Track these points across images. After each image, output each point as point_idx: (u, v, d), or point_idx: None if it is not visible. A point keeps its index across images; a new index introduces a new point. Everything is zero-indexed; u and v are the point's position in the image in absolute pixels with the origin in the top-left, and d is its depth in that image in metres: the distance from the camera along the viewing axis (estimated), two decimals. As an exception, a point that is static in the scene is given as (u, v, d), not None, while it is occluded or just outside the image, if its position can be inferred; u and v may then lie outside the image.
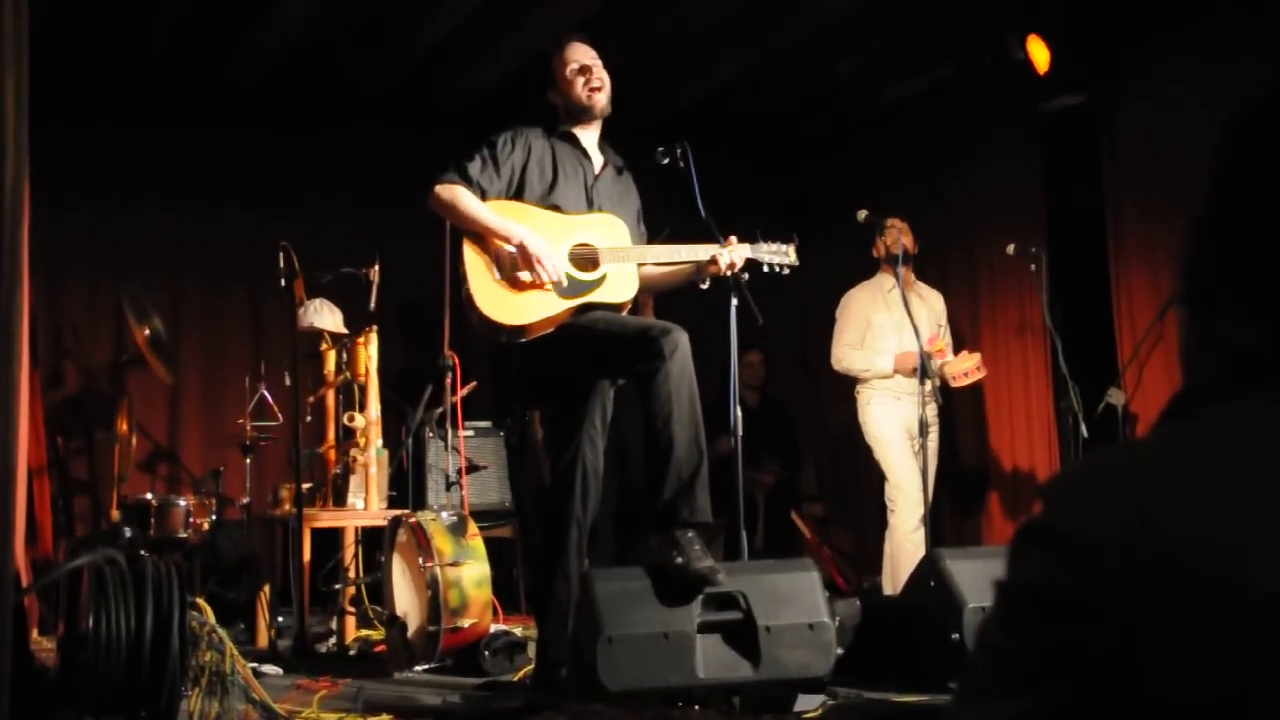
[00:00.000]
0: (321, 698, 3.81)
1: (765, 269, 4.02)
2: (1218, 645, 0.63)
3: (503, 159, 3.83)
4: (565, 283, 3.75)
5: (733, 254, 3.87)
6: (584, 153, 3.98)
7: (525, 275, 3.70)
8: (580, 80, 3.92)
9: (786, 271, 4.07)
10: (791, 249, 4.08)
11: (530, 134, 3.92)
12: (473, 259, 3.74)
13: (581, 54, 3.96)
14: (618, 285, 3.83)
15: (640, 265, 3.92)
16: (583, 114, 3.95)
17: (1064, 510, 0.71)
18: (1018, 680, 0.69)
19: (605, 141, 4.07)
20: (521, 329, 3.71)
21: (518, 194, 3.84)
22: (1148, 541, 0.67)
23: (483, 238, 3.75)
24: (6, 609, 2.23)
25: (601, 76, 3.95)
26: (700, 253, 3.90)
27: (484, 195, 3.78)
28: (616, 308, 3.83)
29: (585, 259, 3.80)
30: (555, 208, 3.85)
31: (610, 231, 3.90)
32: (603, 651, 3.26)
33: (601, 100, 3.94)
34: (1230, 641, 0.63)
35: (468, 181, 3.76)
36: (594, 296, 3.78)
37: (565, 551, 3.76)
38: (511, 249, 3.71)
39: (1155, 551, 0.66)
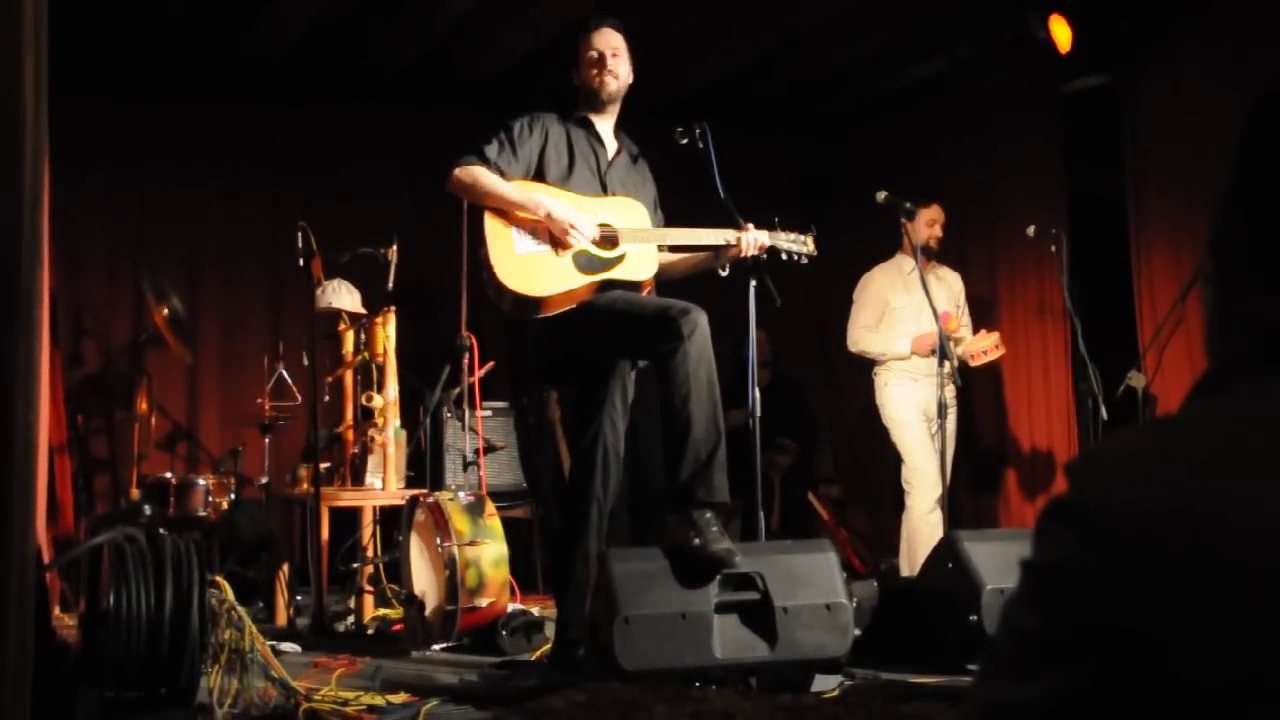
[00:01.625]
0: (340, 676, 3.83)
1: (784, 256, 4.02)
2: (1248, 626, 0.62)
3: (520, 143, 3.84)
4: (593, 242, 3.76)
5: (752, 240, 3.86)
6: (598, 139, 3.99)
7: (549, 244, 3.71)
8: (595, 63, 3.94)
9: (805, 261, 4.07)
10: (810, 239, 4.08)
11: (546, 119, 3.93)
12: (494, 232, 3.74)
13: (603, 41, 3.95)
14: (637, 264, 3.83)
15: (660, 249, 3.93)
16: (598, 101, 3.97)
17: (1091, 488, 0.70)
18: (1042, 660, 0.68)
19: (622, 129, 4.06)
20: (540, 301, 3.71)
21: (536, 178, 3.86)
22: (1175, 520, 0.66)
23: (505, 214, 3.76)
24: (28, 586, 2.24)
25: (616, 68, 3.94)
26: (720, 237, 3.90)
27: (502, 177, 3.79)
28: (636, 286, 3.84)
29: (605, 238, 3.81)
30: (570, 192, 3.86)
31: (630, 213, 3.91)
32: (620, 631, 3.26)
33: (610, 85, 3.95)
34: (1259, 624, 0.62)
35: (485, 163, 3.77)
36: (614, 274, 3.79)
37: (585, 531, 3.76)
38: (539, 217, 3.72)
39: (1183, 531, 0.65)
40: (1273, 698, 0.61)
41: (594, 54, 3.94)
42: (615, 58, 3.95)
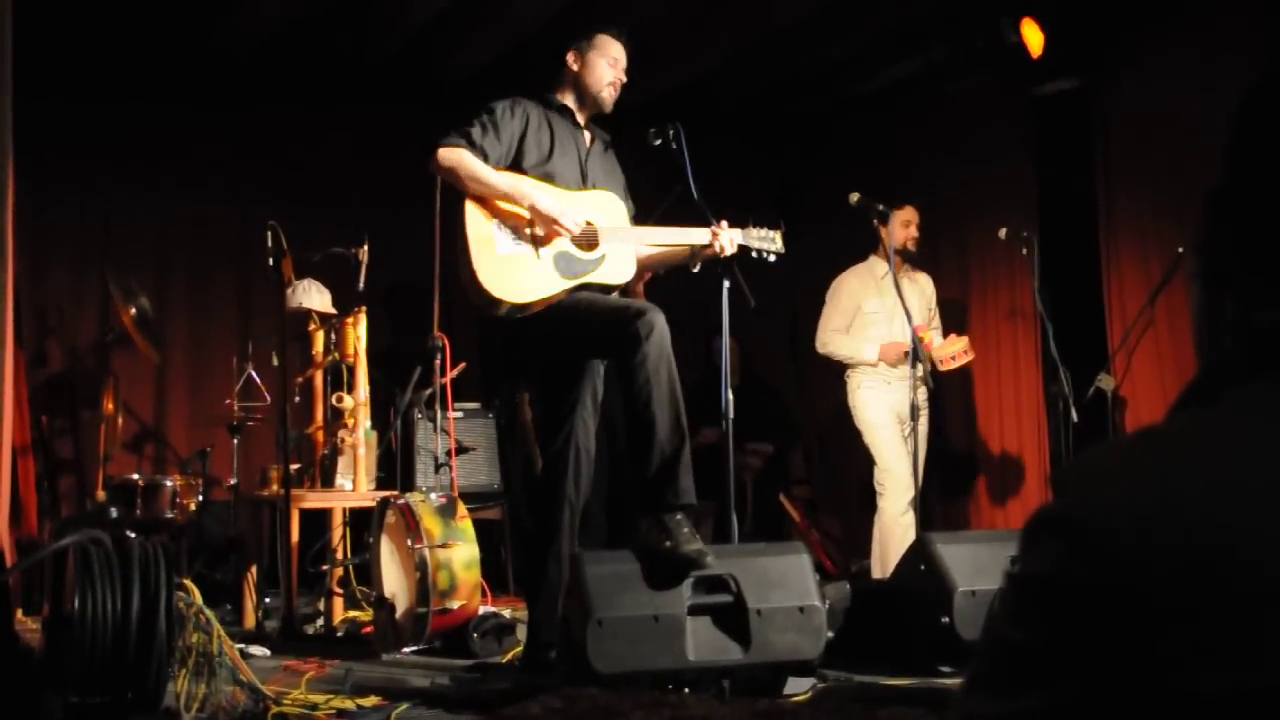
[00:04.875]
0: (309, 679, 3.80)
1: (754, 254, 4.03)
2: (1243, 639, 0.61)
3: (502, 125, 3.83)
4: (575, 249, 3.75)
5: (725, 239, 3.87)
6: (578, 125, 4.01)
7: (531, 244, 3.69)
8: (611, 73, 3.97)
9: (773, 258, 4.08)
10: (778, 235, 4.10)
11: (526, 104, 3.94)
12: (477, 232, 3.71)
13: (620, 54, 4.01)
14: (616, 267, 3.82)
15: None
16: (589, 100, 3.98)
17: (1081, 498, 0.69)
18: (1031, 675, 0.67)
19: (593, 120, 4.08)
20: (523, 307, 3.69)
21: (515, 161, 3.84)
22: (1170, 530, 0.64)
23: (487, 209, 3.73)
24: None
25: (621, 86, 4.01)
26: (695, 236, 3.90)
27: (486, 159, 3.77)
28: (612, 289, 3.82)
29: (585, 238, 3.79)
30: (550, 177, 3.84)
31: (609, 210, 3.89)
32: (592, 634, 3.25)
33: (611, 100, 4.01)
34: (1257, 635, 0.61)
35: (471, 145, 3.74)
36: (592, 277, 3.77)
37: (558, 533, 3.75)
38: (523, 211, 3.70)
39: (1178, 541, 0.64)
40: (1274, 712, 0.60)
41: (613, 60, 3.98)
42: (625, 75, 4.01)
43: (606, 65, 3.96)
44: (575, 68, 3.99)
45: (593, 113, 4.03)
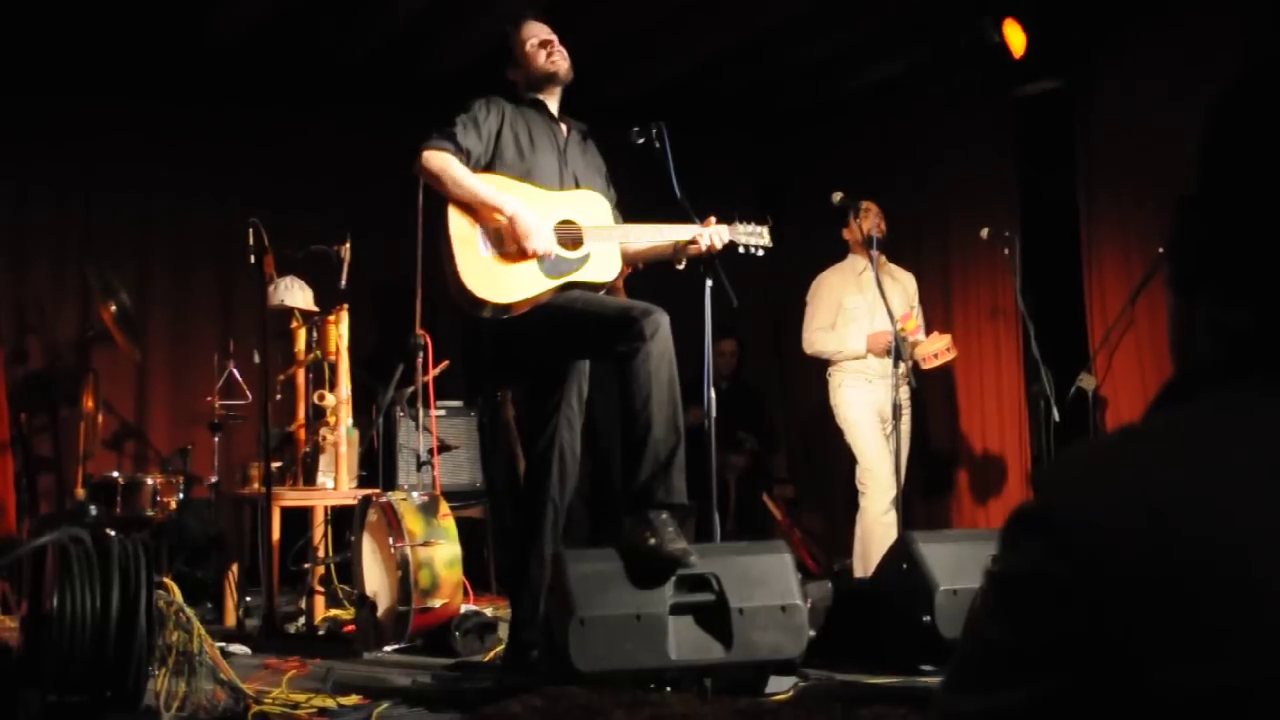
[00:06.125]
0: (290, 678, 3.79)
1: (741, 250, 4.03)
2: (1219, 639, 0.62)
3: (481, 121, 3.84)
4: (555, 254, 3.73)
5: (712, 235, 3.87)
6: (553, 117, 4.00)
7: (513, 247, 3.69)
8: (543, 52, 3.97)
9: (761, 253, 4.08)
10: (766, 230, 4.09)
11: (503, 102, 3.95)
12: (460, 232, 3.69)
13: (540, 30, 4.02)
14: (601, 265, 3.81)
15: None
16: (547, 81, 3.98)
17: (1060, 497, 0.70)
18: (1009, 672, 0.67)
19: (564, 112, 4.08)
20: (506, 307, 3.68)
21: (493, 159, 3.83)
22: (1147, 531, 0.65)
23: (470, 210, 3.72)
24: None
25: (562, 50, 4.00)
26: (681, 233, 3.90)
27: (469, 158, 3.76)
28: (599, 288, 3.82)
29: (569, 237, 3.78)
30: (529, 173, 3.84)
31: (593, 208, 3.89)
32: (574, 633, 3.25)
33: (564, 66, 3.99)
34: (1232, 635, 0.62)
35: (456, 147, 3.73)
36: (578, 276, 3.76)
37: (540, 533, 3.74)
38: (503, 220, 3.69)
39: (1155, 541, 0.64)
40: (1250, 713, 0.61)
41: (538, 40, 3.98)
42: (557, 40, 4.01)
43: (534, 44, 3.97)
44: (517, 74, 4.01)
45: (558, 87, 4.01)
